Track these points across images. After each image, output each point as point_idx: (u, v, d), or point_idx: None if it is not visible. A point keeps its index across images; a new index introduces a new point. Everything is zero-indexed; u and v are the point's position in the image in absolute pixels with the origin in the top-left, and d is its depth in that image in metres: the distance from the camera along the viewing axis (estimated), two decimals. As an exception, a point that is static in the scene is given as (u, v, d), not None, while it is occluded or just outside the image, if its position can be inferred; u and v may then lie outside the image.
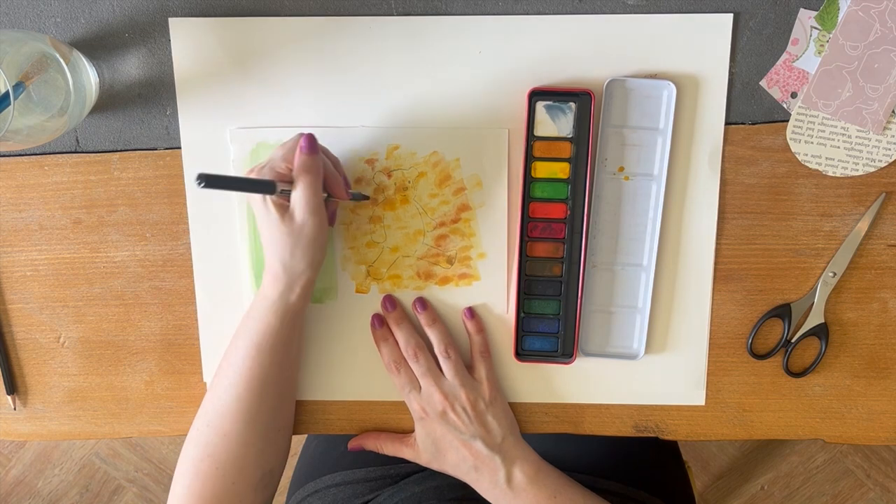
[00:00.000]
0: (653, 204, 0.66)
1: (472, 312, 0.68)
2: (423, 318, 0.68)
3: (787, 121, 0.65)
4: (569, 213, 0.66)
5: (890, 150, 0.65)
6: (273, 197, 0.59)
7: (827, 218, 0.67)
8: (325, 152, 0.63)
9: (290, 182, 0.59)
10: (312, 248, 0.61)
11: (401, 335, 0.68)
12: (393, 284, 0.69)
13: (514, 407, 0.70)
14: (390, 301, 0.68)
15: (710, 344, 0.69)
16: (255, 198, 0.60)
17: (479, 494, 0.68)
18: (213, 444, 0.63)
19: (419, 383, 0.67)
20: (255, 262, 0.68)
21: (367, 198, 0.67)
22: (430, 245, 0.68)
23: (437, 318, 0.68)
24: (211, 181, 0.52)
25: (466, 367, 0.68)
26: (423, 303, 0.68)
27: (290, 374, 0.67)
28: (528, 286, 0.68)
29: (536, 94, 0.64)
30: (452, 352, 0.67)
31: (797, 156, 0.65)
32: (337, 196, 0.62)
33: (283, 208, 0.59)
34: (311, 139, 0.59)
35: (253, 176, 0.59)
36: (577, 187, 0.66)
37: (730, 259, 0.68)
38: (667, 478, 0.85)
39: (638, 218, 0.67)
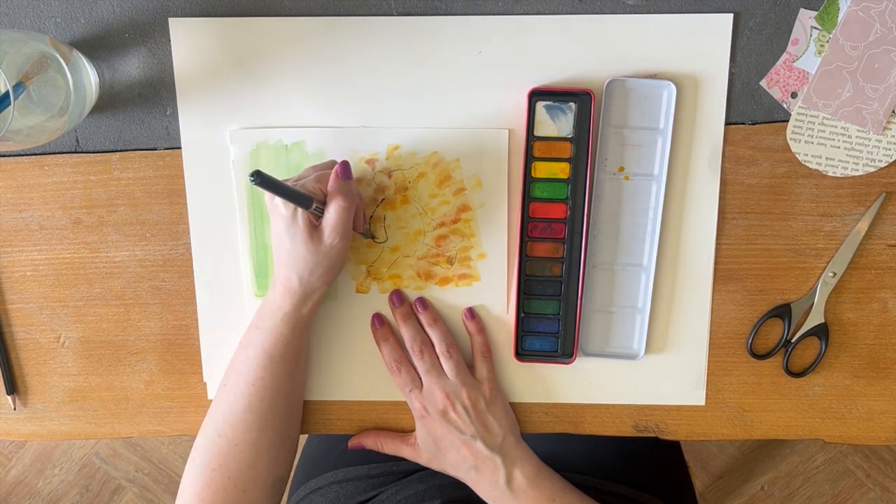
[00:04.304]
0: (653, 204, 0.66)
1: (472, 313, 0.69)
2: (424, 318, 0.68)
3: (787, 121, 0.65)
4: (569, 213, 0.66)
5: (890, 150, 0.65)
6: (304, 213, 0.59)
7: (827, 218, 0.67)
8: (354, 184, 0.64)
9: (323, 202, 0.60)
10: (333, 269, 0.62)
11: (407, 331, 0.68)
12: (393, 284, 0.69)
13: (514, 407, 0.70)
14: (398, 296, 0.69)
15: (710, 344, 0.69)
16: (284, 212, 0.60)
17: None
18: (225, 454, 0.63)
19: (420, 382, 0.67)
20: (256, 263, 0.68)
21: (374, 237, 0.68)
22: (430, 245, 0.68)
23: (438, 317, 0.68)
24: (263, 181, 0.54)
25: (468, 366, 0.68)
26: (423, 303, 0.68)
27: (299, 383, 0.67)
28: (528, 286, 0.68)
29: (536, 94, 0.64)
30: (454, 351, 0.67)
31: (797, 156, 0.65)
32: (353, 227, 0.63)
33: (312, 226, 0.60)
34: (347, 166, 0.60)
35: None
36: (577, 187, 0.66)
37: (730, 259, 0.68)
38: (669, 479, 0.85)
39: (638, 218, 0.67)
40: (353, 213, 0.61)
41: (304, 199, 0.58)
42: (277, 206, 0.60)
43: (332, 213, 0.59)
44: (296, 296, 0.62)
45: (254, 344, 0.64)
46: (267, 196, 0.61)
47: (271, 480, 0.65)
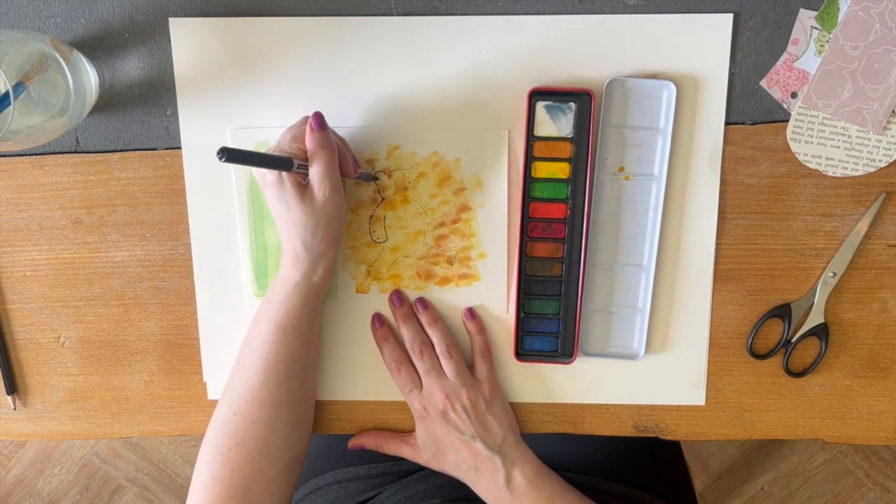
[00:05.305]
0: (653, 204, 0.66)
1: (472, 313, 0.69)
2: (424, 318, 0.68)
3: (787, 121, 0.65)
4: (569, 213, 0.66)
5: (890, 150, 0.65)
6: (289, 176, 0.59)
7: (827, 218, 0.67)
8: (332, 131, 0.63)
9: (305, 160, 0.59)
10: (334, 225, 0.61)
11: (407, 331, 0.68)
12: (393, 284, 0.69)
13: (514, 407, 0.70)
14: (398, 297, 0.68)
15: (710, 344, 0.69)
16: (271, 180, 0.59)
17: None
18: (242, 433, 0.63)
19: (420, 382, 0.67)
20: (256, 263, 0.68)
21: (375, 178, 0.67)
22: (430, 245, 0.68)
23: (438, 318, 0.68)
24: (232, 155, 0.52)
25: (468, 366, 0.68)
26: (423, 303, 0.68)
27: (313, 357, 0.67)
28: (528, 286, 0.68)
29: (536, 94, 0.64)
30: (454, 352, 0.67)
31: (797, 156, 0.65)
32: (346, 174, 0.62)
33: (302, 187, 0.59)
34: (320, 117, 0.59)
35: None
36: (577, 187, 0.66)
37: (730, 259, 0.68)
38: (669, 479, 0.85)
39: (638, 218, 0.67)
40: (337, 161, 0.60)
41: (283, 161, 0.57)
42: (264, 176, 0.59)
43: (316, 167, 0.58)
44: (304, 263, 0.61)
45: (266, 318, 0.63)
46: (254, 170, 0.60)
47: (287, 459, 0.65)
